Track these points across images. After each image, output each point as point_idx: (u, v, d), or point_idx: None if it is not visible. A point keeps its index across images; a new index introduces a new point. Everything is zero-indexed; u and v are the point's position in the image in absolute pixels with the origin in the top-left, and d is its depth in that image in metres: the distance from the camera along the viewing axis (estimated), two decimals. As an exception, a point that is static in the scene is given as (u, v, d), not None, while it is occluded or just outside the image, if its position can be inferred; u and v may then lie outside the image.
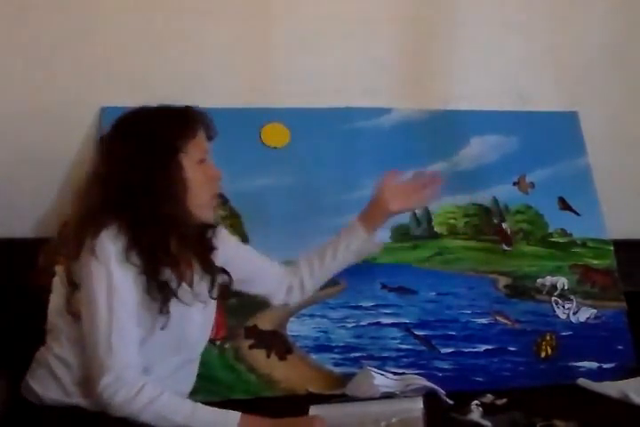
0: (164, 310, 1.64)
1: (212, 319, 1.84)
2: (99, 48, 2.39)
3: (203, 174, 1.70)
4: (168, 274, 1.65)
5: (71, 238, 1.64)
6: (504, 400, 2.05)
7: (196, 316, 1.74)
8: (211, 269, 1.76)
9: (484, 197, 2.52)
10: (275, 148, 2.41)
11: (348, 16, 2.52)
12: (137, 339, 1.62)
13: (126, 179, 1.63)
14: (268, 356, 2.24)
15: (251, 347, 2.22)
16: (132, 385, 1.57)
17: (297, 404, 1.69)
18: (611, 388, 2.18)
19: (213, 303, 1.81)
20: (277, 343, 2.25)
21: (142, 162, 1.63)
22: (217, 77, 2.46)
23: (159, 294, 1.63)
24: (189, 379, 1.82)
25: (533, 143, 2.58)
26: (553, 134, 2.61)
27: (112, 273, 1.60)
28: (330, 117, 2.45)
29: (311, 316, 2.30)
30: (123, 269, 1.61)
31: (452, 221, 2.50)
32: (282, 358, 2.24)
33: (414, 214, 2.45)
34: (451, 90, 2.61)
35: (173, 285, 1.65)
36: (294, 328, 2.28)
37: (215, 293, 1.77)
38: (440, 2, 2.62)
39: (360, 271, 2.30)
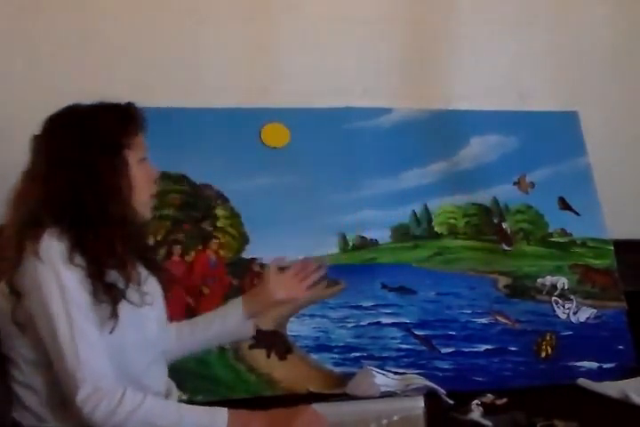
0: (113, 313, 1.53)
1: (166, 314, 1.76)
2: (99, 49, 2.39)
3: (144, 173, 1.65)
4: (115, 275, 1.56)
5: (11, 244, 1.52)
6: (504, 400, 2.04)
7: (150, 313, 1.66)
8: (157, 269, 1.73)
9: (484, 197, 2.52)
10: (275, 148, 2.41)
11: (348, 16, 2.52)
12: (101, 342, 1.51)
13: (71, 178, 1.55)
14: (268, 356, 2.23)
15: (251, 347, 2.22)
16: (112, 395, 1.47)
17: (297, 403, 1.68)
18: (611, 388, 2.18)
19: (161, 299, 1.74)
20: (277, 343, 2.25)
21: (87, 159, 1.55)
22: (217, 77, 2.46)
23: (106, 296, 1.53)
24: (162, 377, 1.74)
25: (533, 143, 2.58)
26: (553, 134, 2.61)
27: (60, 275, 1.49)
28: (330, 117, 2.45)
29: (311, 316, 2.29)
30: (70, 270, 1.50)
31: (452, 221, 2.50)
32: (282, 357, 2.24)
33: (414, 214, 2.45)
34: (451, 90, 2.61)
35: (121, 286, 1.56)
36: (294, 328, 2.27)
37: (165, 289, 1.74)
38: (440, 2, 2.62)
39: (360, 271, 2.31)
